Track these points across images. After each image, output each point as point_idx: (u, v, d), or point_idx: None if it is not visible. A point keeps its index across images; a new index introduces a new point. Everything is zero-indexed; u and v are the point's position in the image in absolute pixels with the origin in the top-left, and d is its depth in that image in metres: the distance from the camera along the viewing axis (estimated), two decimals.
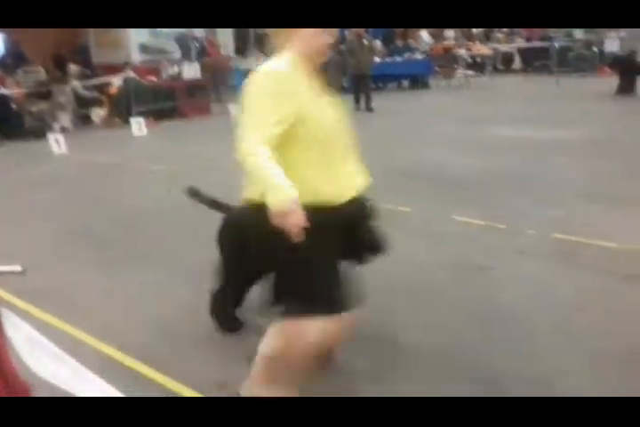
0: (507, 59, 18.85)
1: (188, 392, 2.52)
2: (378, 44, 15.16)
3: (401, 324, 3.06)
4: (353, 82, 11.90)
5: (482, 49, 17.60)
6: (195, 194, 3.10)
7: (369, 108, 11.30)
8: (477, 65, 16.86)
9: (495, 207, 4.98)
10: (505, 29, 20.15)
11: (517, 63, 18.73)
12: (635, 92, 11.36)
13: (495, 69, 17.82)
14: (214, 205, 3.05)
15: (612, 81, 11.95)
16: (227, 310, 3.00)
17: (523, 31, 19.40)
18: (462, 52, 16.55)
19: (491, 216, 4.70)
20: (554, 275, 3.61)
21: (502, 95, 13.35)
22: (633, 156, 6.55)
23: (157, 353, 2.88)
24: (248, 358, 2.30)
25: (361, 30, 11.50)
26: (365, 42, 11.47)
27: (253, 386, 2.20)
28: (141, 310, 3.42)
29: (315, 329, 2.05)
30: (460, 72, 15.41)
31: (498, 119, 9.55)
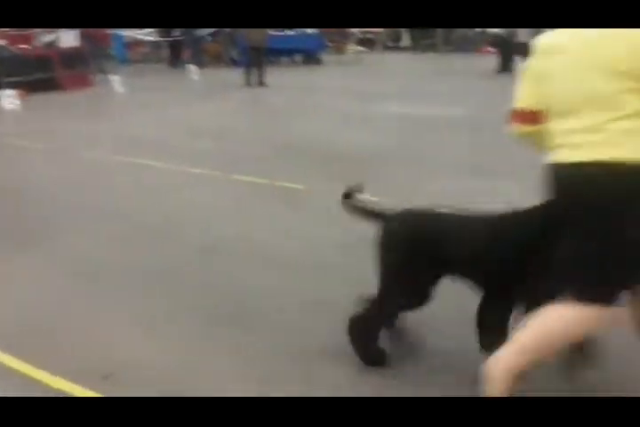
0: (396, 35, 19.25)
1: (68, 386, 2.36)
2: None
3: (286, 298, 3.04)
4: (247, 55, 11.62)
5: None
6: (348, 197, 2.56)
7: (262, 83, 11.11)
8: (368, 41, 17.08)
9: (385, 183, 5.07)
10: None
11: (406, 41, 19.19)
12: (512, 70, 12.01)
13: (385, 46, 18.15)
14: (370, 214, 2.53)
15: (493, 60, 12.56)
16: (371, 340, 2.41)
17: None
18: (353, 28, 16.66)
19: (381, 192, 4.77)
20: None
21: (392, 72, 13.64)
22: (504, 130, 6.92)
23: (28, 343, 2.66)
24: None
25: None
26: None
27: (508, 355, 1.97)
28: (10, 297, 3.16)
29: (597, 315, 1.88)
30: (352, 48, 15.54)
31: (387, 95, 9.74)
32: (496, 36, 12.85)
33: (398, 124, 7.44)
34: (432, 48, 17.34)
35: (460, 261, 2.25)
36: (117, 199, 4.75)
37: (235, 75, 11.42)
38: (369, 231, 3.94)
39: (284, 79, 12.24)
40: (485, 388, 1.99)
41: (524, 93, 2.07)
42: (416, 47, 18.51)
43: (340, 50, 15.55)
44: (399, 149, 6.27)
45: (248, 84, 11.00)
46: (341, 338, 2.41)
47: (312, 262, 3.53)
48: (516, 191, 4.72)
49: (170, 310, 2.94)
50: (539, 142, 2.10)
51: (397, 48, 18.83)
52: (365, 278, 3.27)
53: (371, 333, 2.39)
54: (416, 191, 4.84)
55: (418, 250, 2.25)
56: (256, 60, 11.19)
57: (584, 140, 1.84)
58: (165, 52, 15.50)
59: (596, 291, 1.87)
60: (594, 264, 1.87)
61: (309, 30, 15.21)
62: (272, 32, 14.06)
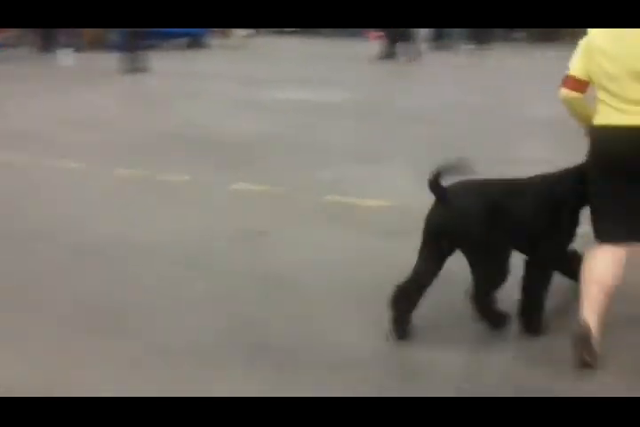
0: None
1: None
2: None
3: (166, 299, 2.89)
4: (126, 39, 10.96)
5: None
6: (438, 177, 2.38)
7: (141, 69, 10.57)
8: None
9: (271, 172, 4.99)
10: None
11: None
12: (395, 56, 12.29)
13: (275, 30, 17.93)
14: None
15: (379, 45, 12.76)
16: (409, 312, 2.48)
17: None
18: None
19: (267, 181, 4.69)
20: (328, 236, 3.72)
21: (279, 56, 13.51)
22: (389, 117, 7.07)
23: None
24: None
25: None
26: None
27: (594, 316, 2.27)
28: None
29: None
30: (238, 32, 15.22)
31: (274, 81, 9.63)
32: None
33: (286, 111, 7.36)
34: (318, 32, 17.37)
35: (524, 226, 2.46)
36: None
37: (115, 60, 10.78)
38: (257, 222, 3.88)
39: (167, 64, 11.75)
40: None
41: (579, 64, 2.41)
42: (305, 31, 18.45)
43: (226, 34, 15.18)
44: (288, 135, 6.20)
45: (128, 69, 10.43)
46: (228, 336, 2.31)
47: (196, 258, 3.39)
48: (401, 176, 4.82)
49: (39, 322, 2.70)
50: (578, 108, 2.48)
51: (286, 32, 18.68)
52: (257, 272, 3.20)
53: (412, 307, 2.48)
54: (306, 179, 4.80)
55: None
56: (134, 44, 10.59)
57: (632, 109, 2.28)
58: (36, 36, 14.35)
59: None
60: None
61: None
62: None
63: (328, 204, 4.27)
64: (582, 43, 2.45)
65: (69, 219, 3.97)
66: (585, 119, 2.48)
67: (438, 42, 14.80)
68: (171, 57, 13.20)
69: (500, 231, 2.41)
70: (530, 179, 2.60)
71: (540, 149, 5.50)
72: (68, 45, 12.81)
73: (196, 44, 14.50)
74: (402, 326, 2.48)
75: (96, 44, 13.94)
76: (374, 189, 4.53)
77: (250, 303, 2.88)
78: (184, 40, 14.77)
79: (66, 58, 11.50)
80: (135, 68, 10.49)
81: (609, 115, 2.33)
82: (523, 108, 7.58)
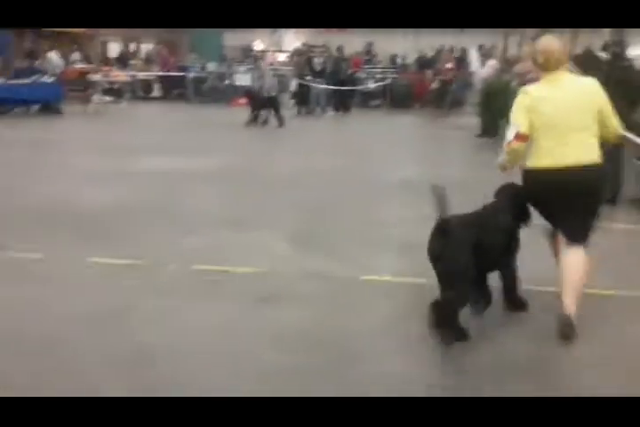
0: (146, 85, 18.91)
1: None
2: None
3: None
4: None
5: (119, 75, 17.28)
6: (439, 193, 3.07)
7: None
8: (115, 91, 16.49)
9: (135, 243, 4.72)
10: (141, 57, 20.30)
11: (157, 91, 18.96)
12: (262, 122, 12.57)
13: (135, 96, 17.69)
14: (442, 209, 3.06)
15: (243, 112, 12.98)
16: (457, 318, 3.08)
17: (159, 59, 19.78)
18: (98, 77, 15.94)
19: (130, 253, 4.41)
20: (196, 307, 3.52)
21: (141, 123, 13.28)
22: (257, 182, 7.11)
23: None
24: None
25: None
26: None
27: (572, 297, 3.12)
28: None
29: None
30: (97, 98, 14.79)
31: (136, 149, 9.31)
32: (249, 89, 13.37)
33: (149, 180, 7.10)
34: (183, 98, 17.41)
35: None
36: None
37: None
38: (114, 302, 3.59)
39: (16, 133, 11.05)
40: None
41: (523, 123, 3.15)
42: (167, 97, 18.40)
43: (84, 100, 14.66)
44: (150, 205, 5.94)
45: None
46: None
47: (51, 341, 3.03)
48: (270, 240, 4.77)
49: None
50: (521, 155, 3.24)
51: (148, 98, 18.49)
52: (114, 353, 2.91)
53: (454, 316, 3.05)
54: (170, 248, 4.59)
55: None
56: None
57: (569, 151, 3.13)
58: None
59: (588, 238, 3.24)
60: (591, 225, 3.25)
61: (47, 79, 14.09)
62: None
63: (196, 273, 4.09)
64: (517, 108, 3.18)
65: None
66: (518, 163, 3.30)
67: (301, 107, 15.41)
68: (21, 125, 12.42)
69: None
70: (484, 210, 3.33)
71: (400, 209, 5.75)
72: None
73: (49, 110, 13.78)
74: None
75: None
76: (244, 255, 4.42)
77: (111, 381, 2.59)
78: (35, 106, 14.00)
79: None
80: None
81: (539, 159, 3.16)
82: (382, 171, 7.98)
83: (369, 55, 23.60)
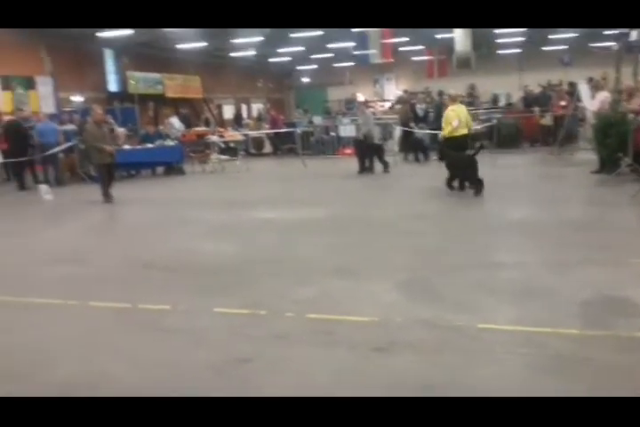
0: (258, 143, 20.01)
1: None
2: (121, 131, 15.05)
3: None
4: (99, 171, 11.13)
5: (234, 135, 18.44)
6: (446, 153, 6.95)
7: (113, 199, 10.53)
8: (231, 150, 17.57)
9: (253, 293, 4.93)
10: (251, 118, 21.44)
11: (268, 147, 19.99)
12: (373, 170, 12.79)
13: (248, 153, 18.73)
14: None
15: (349, 161, 13.30)
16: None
17: (268, 118, 20.95)
18: (215, 138, 17.11)
19: (251, 303, 4.63)
20: (313, 356, 3.60)
21: (256, 178, 13.97)
22: (365, 227, 7.20)
23: None
24: None
25: (103, 117, 11.20)
26: (105, 129, 11.12)
27: None
28: None
29: None
30: (214, 157, 15.82)
31: (251, 203, 9.84)
32: (356, 139, 13.75)
33: (266, 231, 7.44)
34: (292, 152, 18.17)
35: None
36: None
37: (93, 191, 11.00)
38: (243, 352, 3.75)
39: (144, 193, 12.04)
40: None
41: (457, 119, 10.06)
42: (277, 152, 19.32)
43: (202, 160, 15.76)
44: (265, 255, 6.21)
45: (106, 200, 10.56)
46: None
47: (186, 390, 3.22)
48: (381, 288, 4.80)
49: None
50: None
51: (260, 154, 19.51)
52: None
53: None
54: (285, 297, 4.74)
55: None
56: (107, 176, 10.73)
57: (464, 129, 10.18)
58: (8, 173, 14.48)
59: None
60: None
61: (170, 142, 15.33)
62: (126, 146, 13.97)
63: (311, 321, 4.19)
64: (450, 114, 10.06)
65: (43, 358, 3.81)
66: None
67: (407, 154, 15.52)
68: (149, 185, 13.54)
69: None
70: None
71: (518, 252, 5.55)
72: (44, 180, 13.09)
73: (172, 171, 14.95)
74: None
75: (73, 176, 14.14)
76: (353, 305, 4.47)
77: None
78: (161, 168, 15.25)
79: (45, 192, 11.65)
80: (111, 198, 10.58)
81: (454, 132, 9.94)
82: (494, 212, 7.76)
83: (471, 97, 23.41)
